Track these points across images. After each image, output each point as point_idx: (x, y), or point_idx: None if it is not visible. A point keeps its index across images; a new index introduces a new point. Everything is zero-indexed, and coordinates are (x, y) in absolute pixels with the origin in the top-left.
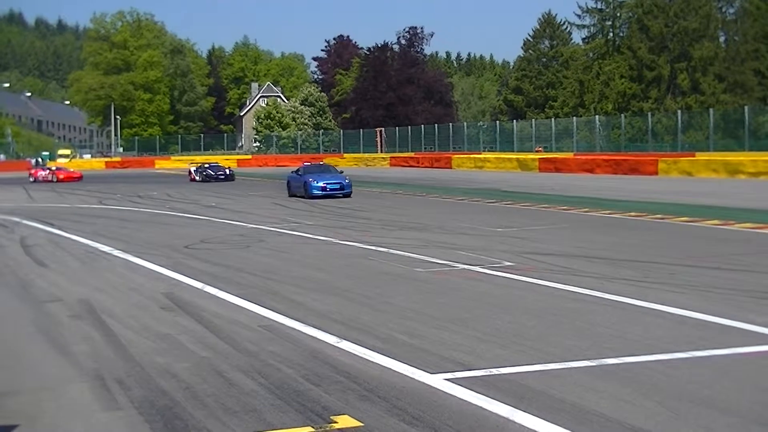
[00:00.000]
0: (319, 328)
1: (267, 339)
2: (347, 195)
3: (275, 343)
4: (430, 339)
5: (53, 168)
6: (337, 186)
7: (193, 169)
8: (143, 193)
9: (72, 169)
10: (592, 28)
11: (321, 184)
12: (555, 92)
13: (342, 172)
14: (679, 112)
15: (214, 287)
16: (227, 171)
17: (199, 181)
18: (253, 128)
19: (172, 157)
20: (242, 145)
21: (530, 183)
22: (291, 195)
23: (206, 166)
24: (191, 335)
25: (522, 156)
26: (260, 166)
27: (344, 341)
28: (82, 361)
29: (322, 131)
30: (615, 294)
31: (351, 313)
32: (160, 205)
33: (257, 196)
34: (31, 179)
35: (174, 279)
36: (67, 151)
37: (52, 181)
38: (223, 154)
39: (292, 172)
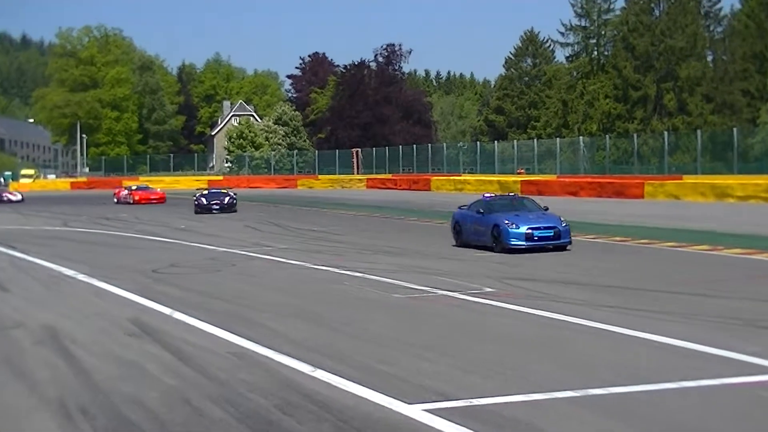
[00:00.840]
0: (291, 356)
1: (238, 367)
2: (563, 247)
3: (246, 371)
4: (407, 368)
5: (132, 188)
6: (551, 232)
7: (201, 193)
8: (111, 215)
9: (154, 188)
10: (576, 46)
11: (524, 229)
12: (538, 112)
13: (547, 208)
14: (665, 133)
15: (183, 313)
16: (228, 197)
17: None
18: (225, 148)
19: (141, 178)
20: (213, 165)
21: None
22: (462, 244)
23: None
24: (159, 363)
25: (503, 178)
26: (232, 187)
27: (318, 370)
28: (45, 389)
29: (296, 151)
30: (599, 321)
31: (325, 340)
32: (128, 227)
33: (229, 219)
34: (115, 200)
35: (141, 304)
36: (31, 171)
37: (128, 203)
38: (194, 174)
39: (460, 207)
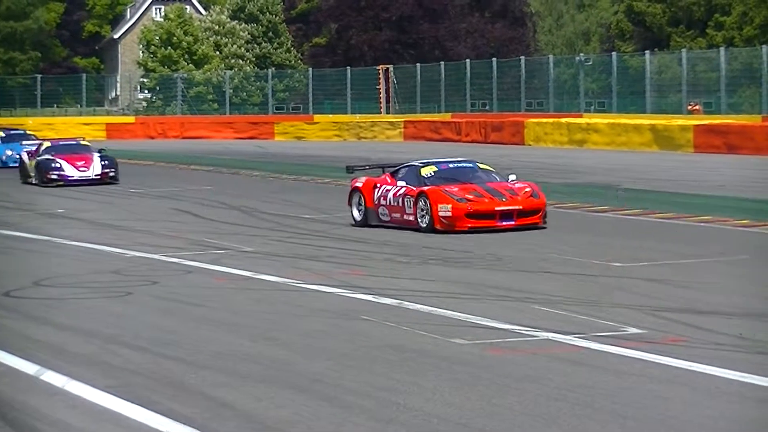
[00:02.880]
0: None
1: None
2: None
3: None
4: None
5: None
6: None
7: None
8: None
9: None
10: None
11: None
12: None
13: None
14: None
15: (60, 372)
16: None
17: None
18: (139, 63)
19: None
20: (117, 95)
21: (677, 173)
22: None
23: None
24: None
25: (662, 121)
26: (151, 137)
27: None
28: None
29: (272, 70)
30: None
31: (327, 426)
32: None
33: (146, 196)
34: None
35: None
36: None
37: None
38: (81, 113)
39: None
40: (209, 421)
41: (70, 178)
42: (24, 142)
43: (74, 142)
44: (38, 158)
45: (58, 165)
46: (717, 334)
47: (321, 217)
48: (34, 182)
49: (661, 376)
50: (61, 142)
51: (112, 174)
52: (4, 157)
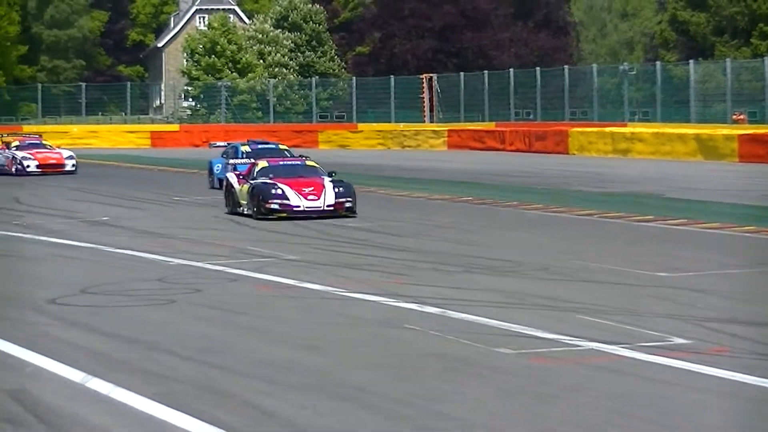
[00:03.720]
0: None
1: None
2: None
3: None
4: None
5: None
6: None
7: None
8: None
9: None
10: None
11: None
12: None
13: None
14: None
15: (106, 380)
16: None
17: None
18: (183, 72)
19: (25, 127)
20: (161, 103)
21: (721, 183)
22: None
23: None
24: None
25: (706, 131)
26: (195, 145)
27: None
28: None
29: (316, 79)
30: None
31: None
32: (4, 219)
33: (190, 204)
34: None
35: (30, 363)
36: None
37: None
38: (126, 121)
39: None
40: (252, 429)
41: (296, 209)
42: (232, 161)
43: (299, 162)
44: (253, 182)
45: (280, 191)
46: (761, 345)
47: (365, 226)
48: (246, 212)
49: (706, 387)
50: (281, 162)
51: (348, 204)
52: (217, 170)
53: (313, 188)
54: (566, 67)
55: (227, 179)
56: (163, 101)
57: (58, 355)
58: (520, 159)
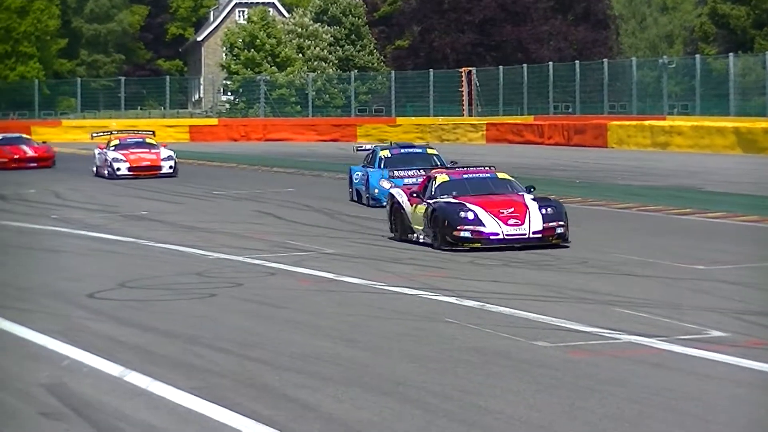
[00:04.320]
0: None
1: None
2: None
3: None
4: None
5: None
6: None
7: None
8: (9, 190)
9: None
10: None
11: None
12: None
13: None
14: None
15: (145, 374)
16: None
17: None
18: (222, 66)
19: (65, 122)
20: (200, 97)
21: (760, 176)
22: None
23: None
24: None
25: (746, 124)
26: (234, 139)
27: None
28: None
29: (355, 73)
30: None
31: (410, 428)
32: (41, 213)
33: (229, 198)
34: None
35: (67, 357)
36: None
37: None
38: (165, 115)
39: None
40: (291, 422)
41: (492, 237)
42: (397, 173)
43: (488, 174)
44: (432, 202)
45: (471, 215)
46: None
47: None
48: (421, 240)
49: (745, 380)
50: (465, 175)
51: (560, 230)
52: (376, 191)
53: (513, 209)
54: (605, 60)
55: (394, 197)
56: (202, 95)
57: (96, 348)
58: (559, 152)
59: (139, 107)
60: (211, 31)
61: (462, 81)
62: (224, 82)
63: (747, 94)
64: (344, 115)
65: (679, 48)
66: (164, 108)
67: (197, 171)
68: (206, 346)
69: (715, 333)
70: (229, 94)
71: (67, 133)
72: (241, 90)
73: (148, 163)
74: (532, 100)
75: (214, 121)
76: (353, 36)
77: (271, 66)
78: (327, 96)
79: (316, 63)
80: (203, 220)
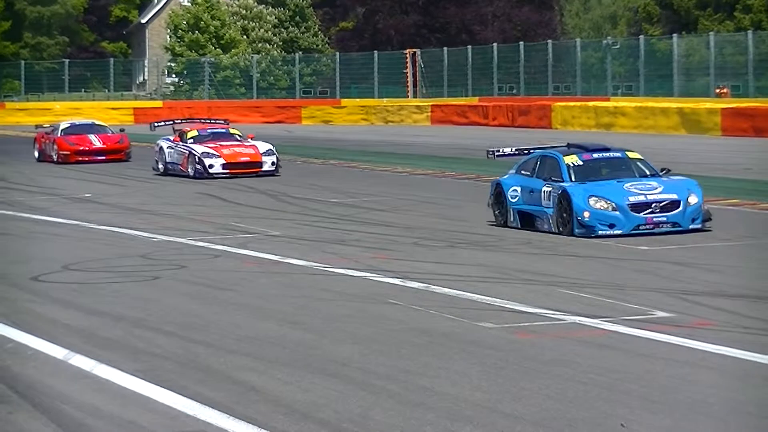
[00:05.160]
0: None
1: None
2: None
3: None
4: None
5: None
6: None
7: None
8: None
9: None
10: None
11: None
12: None
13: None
14: None
15: (89, 357)
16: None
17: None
18: (166, 48)
19: (8, 104)
20: (145, 80)
21: (704, 157)
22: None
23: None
24: None
25: (689, 104)
26: (178, 118)
27: None
28: None
29: (299, 54)
30: None
31: (355, 409)
32: None
33: (173, 181)
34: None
35: (11, 341)
36: None
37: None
38: (109, 98)
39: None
40: (236, 404)
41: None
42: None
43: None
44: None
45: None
46: (745, 318)
47: (348, 201)
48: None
49: (690, 360)
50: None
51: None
52: (586, 215)
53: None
54: (550, 41)
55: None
56: (146, 78)
57: (40, 331)
58: (504, 134)
59: (83, 90)
60: (155, 13)
61: (407, 63)
62: (168, 64)
63: (691, 74)
64: (289, 97)
65: (623, 29)
66: (108, 90)
67: (142, 153)
68: (150, 329)
69: (660, 313)
70: (174, 76)
71: (11, 116)
72: (185, 72)
73: (247, 159)
74: (477, 82)
75: (158, 103)
76: (297, 18)
77: (215, 48)
78: (271, 78)
79: (260, 45)
80: (146, 202)
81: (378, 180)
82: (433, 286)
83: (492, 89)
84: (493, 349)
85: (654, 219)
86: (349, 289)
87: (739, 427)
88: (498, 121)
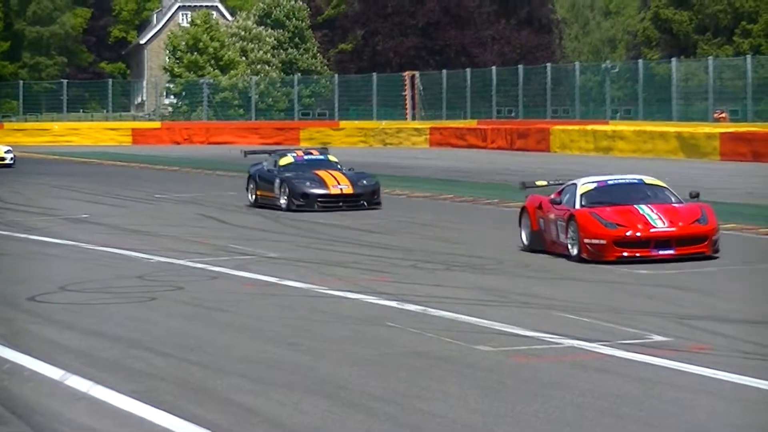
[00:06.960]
0: None
1: None
2: None
3: None
4: None
5: None
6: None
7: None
8: None
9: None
10: None
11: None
12: (754, 4)
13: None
14: None
15: (85, 377)
16: None
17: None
18: (165, 69)
19: (6, 124)
20: (143, 101)
21: (703, 181)
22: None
23: None
24: None
25: (688, 129)
26: (177, 142)
27: None
28: None
29: (298, 76)
30: None
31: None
32: None
33: (171, 202)
34: None
35: (8, 361)
36: None
37: None
38: (108, 118)
39: None
40: (234, 426)
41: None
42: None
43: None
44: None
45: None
46: (742, 342)
47: (347, 223)
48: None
49: (687, 384)
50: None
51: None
52: None
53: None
54: (548, 64)
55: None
56: (144, 98)
57: (37, 352)
58: (502, 157)
59: (81, 110)
60: (154, 34)
61: (405, 85)
62: (167, 85)
63: (689, 98)
64: (287, 118)
65: (622, 52)
66: (107, 111)
67: (140, 174)
68: (147, 350)
69: (657, 337)
70: (172, 97)
71: (9, 136)
72: (184, 93)
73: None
74: (476, 104)
75: (156, 124)
76: (297, 39)
77: (214, 69)
78: (270, 99)
79: (259, 66)
80: (144, 223)
81: (383, 203)
82: (430, 309)
83: (491, 112)
84: (490, 372)
85: None
86: (347, 312)
87: None
88: (496, 144)
